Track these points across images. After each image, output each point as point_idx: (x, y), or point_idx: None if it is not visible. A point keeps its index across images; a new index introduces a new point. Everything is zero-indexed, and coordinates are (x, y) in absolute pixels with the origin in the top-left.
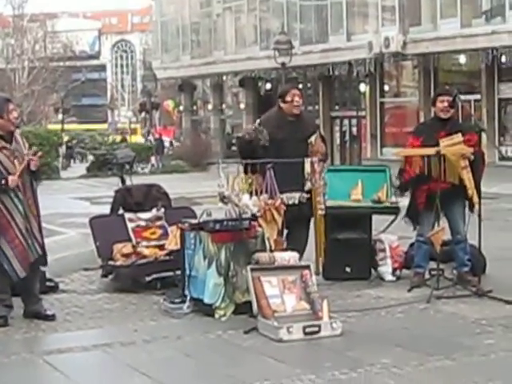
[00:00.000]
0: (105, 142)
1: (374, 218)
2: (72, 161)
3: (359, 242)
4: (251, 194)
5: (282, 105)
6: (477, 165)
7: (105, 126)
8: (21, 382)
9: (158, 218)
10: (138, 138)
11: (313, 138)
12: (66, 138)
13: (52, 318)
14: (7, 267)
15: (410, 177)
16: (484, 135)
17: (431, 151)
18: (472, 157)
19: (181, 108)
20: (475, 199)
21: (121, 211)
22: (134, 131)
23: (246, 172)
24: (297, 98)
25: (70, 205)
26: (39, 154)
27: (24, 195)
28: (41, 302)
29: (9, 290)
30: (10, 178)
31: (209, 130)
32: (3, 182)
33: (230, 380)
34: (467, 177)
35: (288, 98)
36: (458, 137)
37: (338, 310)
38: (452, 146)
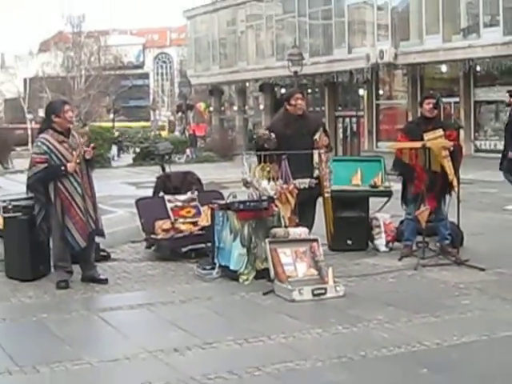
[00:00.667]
0: (148, 136)
1: (371, 199)
2: (121, 152)
3: (358, 220)
4: (269, 179)
5: (288, 107)
6: (456, 156)
7: (148, 123)
8: (79, 334)
9: (192, 200)
10: (164, 134)
11: (317, 136)
12: (116, 134)
13: (105, 281)
14: (70, 239)
15: (401, 158)
16: (462, 131)
17: (418, 144)
18: (452, 148)
19: (211, 109)
20: (454, 183)
21: (161, 194)
22: (161, 128)
23: (261, 162)
24: (299, 101)
25: (119, 189)
26: (92, 145)
27: (81, 180)
28: (95, 268)
29: (69, 259)
30: (69, 164)
31: (234, 127)
32: (63, 168)
33: (252, 333)
34: (448, 165)
35: (292, 102)
36: (440, 131)
37: (340, 276)
38: (435, 139)
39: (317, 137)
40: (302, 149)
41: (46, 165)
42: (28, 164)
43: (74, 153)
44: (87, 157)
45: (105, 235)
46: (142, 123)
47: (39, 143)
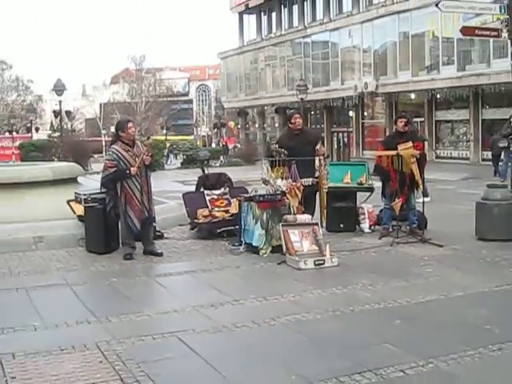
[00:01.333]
0: (192, 146)
1: (358, 193)
2: (172, 158)
3: (348, 209)
4: (282, 179)
5: (290, 125)
6: (421, 161)
7: (191, 137)
8: (141, 293)
9: (225, 194)
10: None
11: (318, 146)
12: (167, 145)
13: (161, 254)
14: (130, 223)
15: (380, 163)
16: (426, 143)
17: (393, 153)
18: (418, 156)
19: (238, 126)
20: (419, 182)
21: (202, 189)
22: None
23: (272, 167)
24: (298, 120)
25: (170, 185)
26: (150, 153)
27: (141, 179)
28: (154, 244)
29: (133, 237)
30: (132, 168)
31: (255, 140)
32: (128, 171)
33: (269, 293)
34: (415, 168)
35: (292, 120)
36: (410, 144)
37: (335, 250)
38: (406, 149)
39: (317, 147)
40: (303, 156)
41: (115, 169)
42: (102, 167)
43: (137, 159)
44: (146, 163)
45: (155, 221)
46: (180, 137)
47: (111, 152)
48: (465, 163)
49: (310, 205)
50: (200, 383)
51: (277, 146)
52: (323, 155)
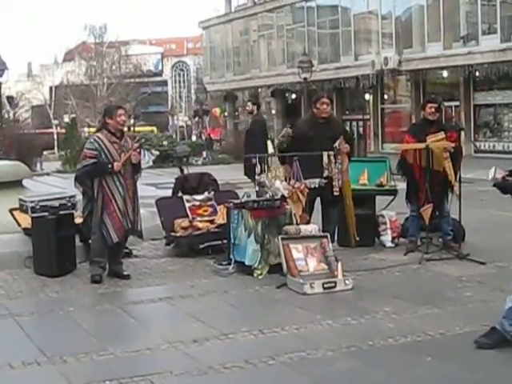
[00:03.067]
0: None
1: (377, 198)
2: (147, 155)
3: (366, 217)
4: (286, 179)
5: (315, 110)
6: (456, 156)
7: (151, 128)
8: (104, 326)
9: (209, 199)
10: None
11: (337, 143)
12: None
13: (128, 277)
14: (105, 233)
15: (406, 158)
16: (462, 133)
17: (422, 146)
18: (452, 149)
19: (225, 114)
20: (454, 183)
21: (180, 194)
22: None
23: (284, 163)
24: (325, 106)
25: (140, 189)
26: (138, 150)
27: (124, 181)
28: (121, 264)
29: (105, 256)
30: (115, 163)
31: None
32: (110, 166)
33: (266, 324)
34: (448, 166)
35: (318, 105)
36: (442, 134)
37: (349, 270)
38: (436, 141)
39: (336, 144)
40: (321, 151)
41: (94, 160)
42: (80, 159)
43: (123, 155)
44: (134, 161)
45: (143, 236)
46: (140, 128)
47: (92, 140)
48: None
49: (329, 219)
50: None
51: (290, 130)
52: (347, 154)
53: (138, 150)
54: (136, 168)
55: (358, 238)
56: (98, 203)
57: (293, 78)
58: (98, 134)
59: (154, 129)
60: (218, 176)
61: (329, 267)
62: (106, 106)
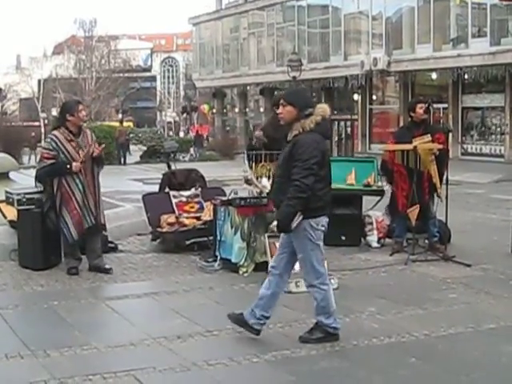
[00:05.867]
0: (154, 135)
1: (364, 198)
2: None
3: (352, 217)
4: (269, 177)
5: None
6: (442, 159)
7: (128, 123)
8: (88, 320)
9: (196, 196)
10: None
11: None
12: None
13: (109, 271)
14: (65, 231)
15: (390, 159)
16: (450, 135)
17: (409, 147)
18: (437, 152)
19: (214, 110)
20: (438, 185)
21: (167, 190)
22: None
23: (256, 161)
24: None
25: (127, 184)
26: (102, 146)
27: (84, 177)
28: (101, 258)
29: (76, 247)
30: (74, 164)
31: (235, 128)
32: (68, 166)
33: None
34: (433, 168)
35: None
36: (428, 137)
37: (335, 269)
38: (422, 143)
39: None
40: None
41: (53, 161)
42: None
43: (81, 152)
44: (94, 155)
45: (106, 230)
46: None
47: (49, 139)
48: (498, 161)
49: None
50: None
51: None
52: None
53: (102, 147)
54: (97, 161)
55: (343, 238)
56: (57, 201)
57: (282, 77)
58: (55, 133)
59: (131, 124)
60: (205, 173)
61: None
62: (65, 102)
